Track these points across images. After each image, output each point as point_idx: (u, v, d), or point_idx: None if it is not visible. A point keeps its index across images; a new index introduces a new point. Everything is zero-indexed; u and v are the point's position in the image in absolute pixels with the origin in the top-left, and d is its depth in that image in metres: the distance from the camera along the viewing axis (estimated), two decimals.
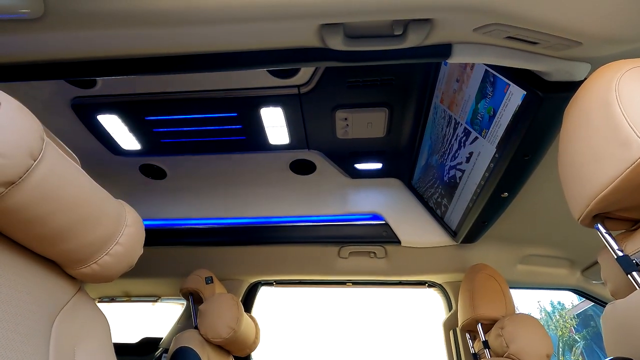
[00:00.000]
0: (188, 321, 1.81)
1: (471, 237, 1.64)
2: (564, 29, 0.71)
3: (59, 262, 0.70)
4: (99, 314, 0.78)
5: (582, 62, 0.86)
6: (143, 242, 0.82)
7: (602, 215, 0.64)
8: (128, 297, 2.13)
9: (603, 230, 0.63)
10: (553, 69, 0.87)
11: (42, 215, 0.60)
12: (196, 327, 1.50)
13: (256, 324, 1.75)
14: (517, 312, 1.41)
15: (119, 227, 0.74)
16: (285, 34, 0.81)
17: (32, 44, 0.79)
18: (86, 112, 1.55)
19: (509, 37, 0.78)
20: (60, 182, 0.61)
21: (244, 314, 1.55)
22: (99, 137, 1.69)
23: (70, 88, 1.46)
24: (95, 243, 0.70)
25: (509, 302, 1.44)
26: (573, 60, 0.85)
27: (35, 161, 0.56)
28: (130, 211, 0.79)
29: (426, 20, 0.76)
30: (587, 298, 1.91)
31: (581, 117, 0.64)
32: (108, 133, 1.66)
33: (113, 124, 1.61)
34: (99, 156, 1.79)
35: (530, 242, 1.71)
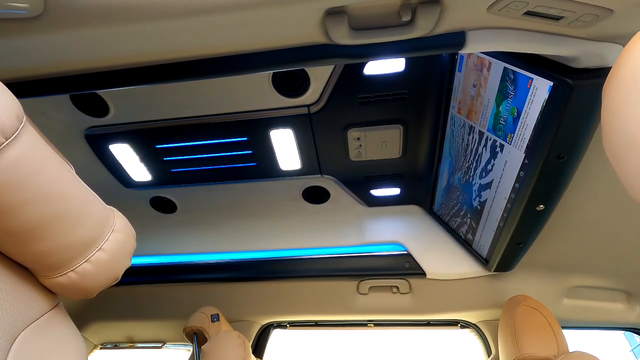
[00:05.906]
0: None
1: (506, 265, 1.46)
2: None
3: (33, 269, 0.62)
4: (76, 336, 0.68)
5: (612, 43, 0.78)
6: (131, 254, 0.73)
7: None
8: (131, 344, 1.98)
9: None
10: (581, 52, 0.80)
11: (12, 204, 0.54)
12: None
13: None
14: (573, 350, 1.19)
15: (103, 231, 0.66)
16: (287, 27, 0.78)
17: (32, 48, 0.78)
18: (99, 142, 1.56)
19: (529, 13, 0.72)
20: (36, 170, 0.56)
21: (252, 356, 1.38)
22: (110, 169, 1.69)
23: (84, 118, 1.49)
24: (74, 246, 0.62)
25: (559, 338, 1.22)
26: (602, 40, 0.78)
27: (6, 140, 0.51)
28: (120, 217, 0.72)
29: (435, 2, 0.72)
30: None
31: (626, 84, 0.55)
32: (119, 164, 1.65)
33: (124, 154, 1.61)
34: (110, 189, 1.77)
35: (577, 269, 1.50)
